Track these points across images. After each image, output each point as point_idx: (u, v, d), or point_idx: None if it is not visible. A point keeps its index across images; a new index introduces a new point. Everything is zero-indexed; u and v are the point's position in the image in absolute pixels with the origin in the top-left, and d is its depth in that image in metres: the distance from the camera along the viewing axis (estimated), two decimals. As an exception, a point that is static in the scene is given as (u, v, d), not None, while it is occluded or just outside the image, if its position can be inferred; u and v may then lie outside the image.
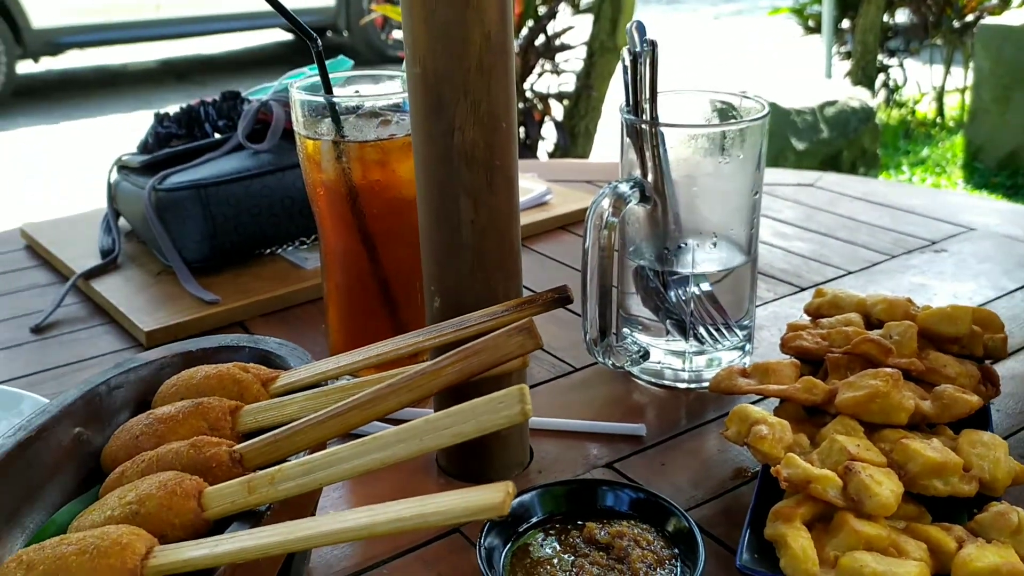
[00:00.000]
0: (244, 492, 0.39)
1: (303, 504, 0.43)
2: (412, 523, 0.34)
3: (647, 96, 0.65)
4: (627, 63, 0.65)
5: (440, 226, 0.55)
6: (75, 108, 5.24)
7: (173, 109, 0.99)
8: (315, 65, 0.94)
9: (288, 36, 7.08)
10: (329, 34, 6.64)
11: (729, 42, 6.85)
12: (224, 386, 0.48)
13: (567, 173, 1.22)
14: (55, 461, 0.45)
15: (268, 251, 0.92)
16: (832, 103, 3.32)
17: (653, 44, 0.64)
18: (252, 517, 0.40)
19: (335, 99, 0.63)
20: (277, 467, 0.39)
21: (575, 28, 3.21)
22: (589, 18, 3.28)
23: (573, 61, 3.33)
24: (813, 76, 4.65)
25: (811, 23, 4.62)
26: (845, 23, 4.45)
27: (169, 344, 0.56)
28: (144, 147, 0.98)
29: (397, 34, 6.18)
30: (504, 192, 0.55)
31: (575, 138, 3.44)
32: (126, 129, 4.80)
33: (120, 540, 0.36)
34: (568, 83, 3.34)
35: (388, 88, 0.70)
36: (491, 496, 0.32)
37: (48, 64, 5.98)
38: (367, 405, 0.41)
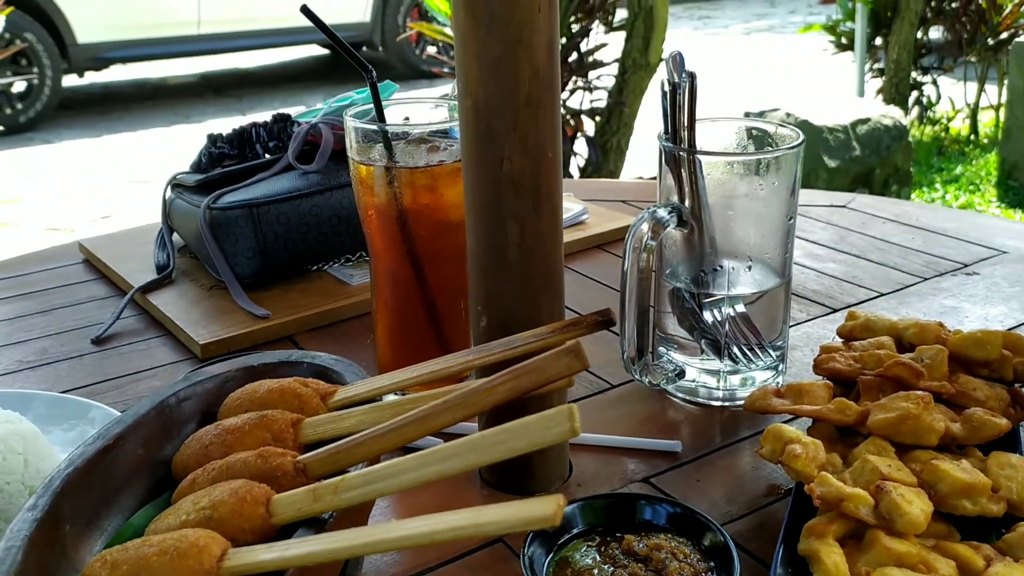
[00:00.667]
0: (309, 500, 0.42)
1: (360, 513, 0.46)
2: (469, 532, 0.36)
3: (685, 124, 0.68)
4: (666, 92, 0.68)
5: (488, 249, 0.58)
6: (117, 121, 5.36)
7: (226, 130, 1.03)
8: (363, 89, 0.98)
9: (322, 51, 7.18)
10: (364, 49, 6.73)
11: (760, 58, 6.85)
12: (286, 399, 0.51)
13: (601, 193, 1.25)
14: (129, 468, 0.49)
15: (315, 267, 0.96)
16: (865, 121, 3.32)
17: (692, 75, 0.66)
18: (316, 524, 0.43)
19: (388, 128, 0.66)
20: (340, 477, 0.42)
21: (608, 45, 3.24)
22: (622, 36, 3.32)
23: (605, 78, 3.36)
24: (845, 93, 4.64)
25: (844, 40, 4.61)
26: (878, 40, 4.44)
27: (231, 358, 0.59)
28: (197, 166, 1.02)
29: (431, 50, 6.25)
30: (549, 217, 0.58)
31: (607, 154, 3.47)
32: (165, 142, 4.90)
33: (197, 542, 0.39)
34: (600, 99, 3.37)
35: (435, 116, 0.73)
36: (544, 508, 0.34)
37: (91, 78, 6.12)
38: (424, 420, 0.44)
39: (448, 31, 3.58)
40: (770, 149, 0.71)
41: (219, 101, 5.90)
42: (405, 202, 0.67)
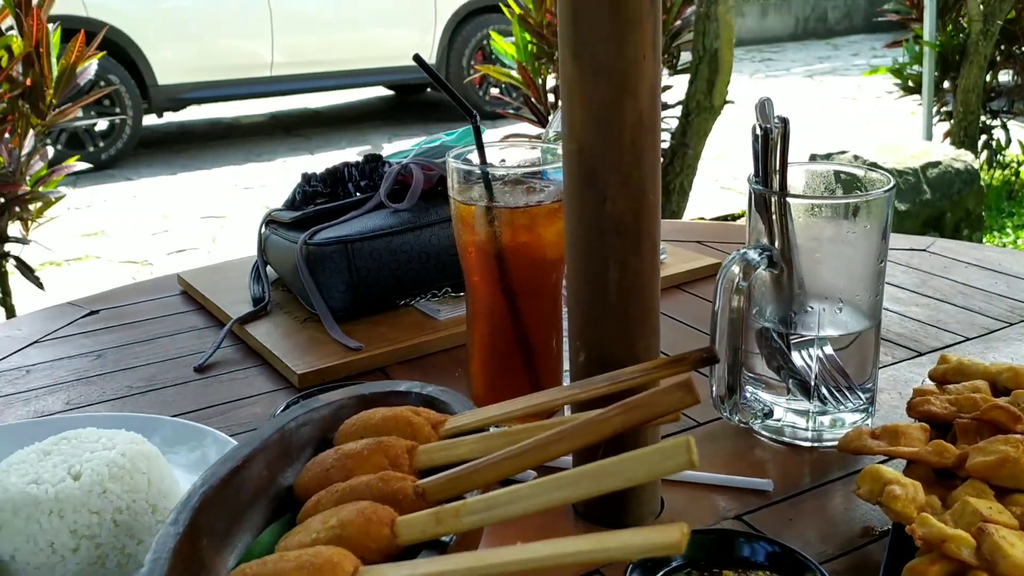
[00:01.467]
0: (433, 522, 0.44)
1: (475, 538, 0.48)
2: (592, 556, 0.38)
3: (776, 168, 0.69)
4: (757, 136, 0.70)
5: (588, 287, 0.60)
6: (192, 159, 5.55)
7: (319, 169, 1.07)
8: (451, 132, 1.02)
9: (387, 92, 7.36)
10: (429, 90, 6.89)
11: (824, 101, 6.81)
12: (399, 427, 0.54)
13: (676, 233, 1.26)
14: (255, 488, 0.51)
15: (403, 302, 0.99)
16: (935, 164, 3.28)
17: (785, 121, 0.68)
18: (436, 546, 0.45)
19: (489, 170, 0.69)
20: (461, 501, 0.44)
21: (672, 87, 3.28)
22: (686, 78, 3.35)
23: (669, 120, 3.38)
24: (912, 137, 4.59)
25: (910, 83, 4.57)
26: (945, 84, 4.39)
27: (328, 388, 0.62)
28: (291, 203, 1.06)
29: (494, 91, 6.36)
30: (648, 256, 0.60)
31: (670, 194, 3.49)
32: (237, 179, 5.06)
33: (331, 559, 0.42)
34: (664, 141, 3.40)
35: (529, 156, 0.76)
36: (669, 535, 0.36)
37: (169, 117, 6.36)
38: (538, 449, 0.46)
39: (514, 73, 3.65)
40: (861, 193, 0.72)
41: (288, 140, 6.07)
42: (504, 240, 0.70)
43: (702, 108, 3.40)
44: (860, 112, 6.27)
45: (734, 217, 4.38)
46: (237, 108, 6.82)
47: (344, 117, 6.82)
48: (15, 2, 2.41)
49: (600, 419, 0.46)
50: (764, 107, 0.69)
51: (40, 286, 2.53)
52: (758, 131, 0.69)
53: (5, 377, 0.88)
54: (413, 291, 0.98)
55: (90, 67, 2.58)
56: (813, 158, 3.18)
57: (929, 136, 4.36)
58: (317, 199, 1.05)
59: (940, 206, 3.26)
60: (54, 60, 2.48)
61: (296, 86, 6.06)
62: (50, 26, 2.47)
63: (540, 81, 3.61)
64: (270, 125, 6.57)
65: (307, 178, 1.07)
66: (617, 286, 0.60)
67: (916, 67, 4.48)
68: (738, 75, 7.73)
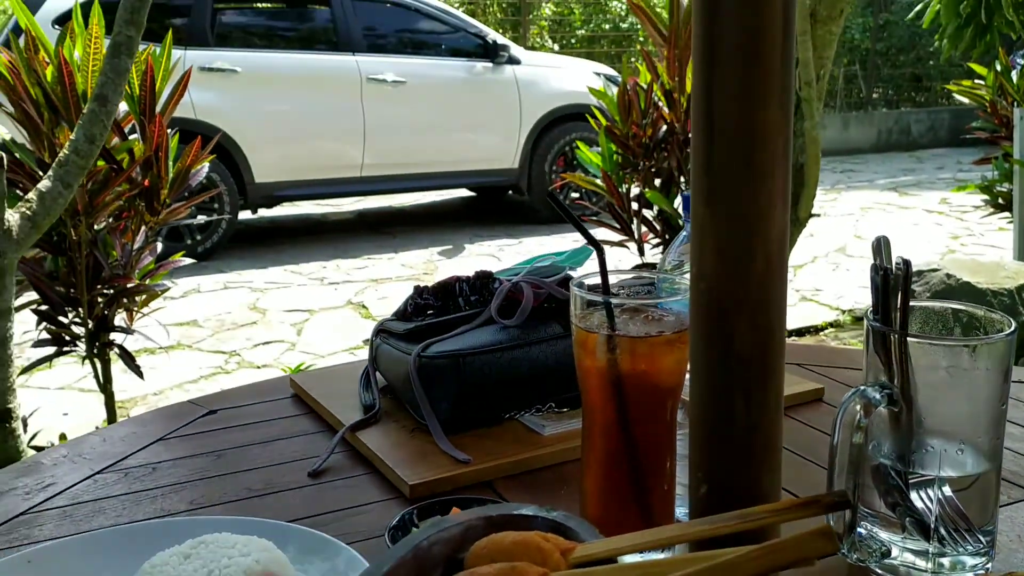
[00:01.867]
0: (573, 655, 0.45)
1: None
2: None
3: (897, 306, 0.71)
4: (876, 275, 0.71)
5: (713, 420, 0.62)
6: (281, 253, 5.77)
7: (430, 282, 1.12)
8: (560, 252, 1.06)
9: (468, 194, 7.58)
10: (511, 193, 7.06)
11: (908, 214, 6.74)
12: (529, 552, 0.55)
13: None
14: (393, 605, 0.53)
15: (508, 415, 1.01)
16: (1030, 284, 3.21)
17: (907, 263, 0.70)
18: None
19: (611, 300, 0.72)
20: (602, 636, 0.45)
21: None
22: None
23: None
24: (1003, 255, 4.49)
25: (1000, 200, 4.51)
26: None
27: (442, 500, 0.64)
28: (402, 314, 1.11)
29: (574, 195, 6.49)
30: (773, 392, 0.62)
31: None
32: (324, 274, 5.22)
33: None
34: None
35: (641, 286, 0.79)
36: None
37: (261, 213, 6.65)
38: (676, 587, 0.47)
39: (599, 181, 3.74)
40: (983, 336, 0.72)
41: (374, 237, 6.27)
42: (623, 367, 0.72)
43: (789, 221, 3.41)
44: (947, 227, 6.18)
45: (817, 329, 4.32)
46: (326, 205, 7.10)
47: (428, 216, 7.03)
48: (140, 109, 2.60)
49: (739, 560, 0.47)
50: (881, 246, 0.71)
51: (140, 375, 2.63)
52: (878, 271, 0.71)
53: (134, 474, 0.93)
54: (519, 405, 1.01)
55: (202, 170, 2.75)
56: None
57: (1020, 256, 4.26)
58: (428, 311, 1.09)
59: (1037, 328, 3.16)
60: (171, 163, 2.65)
61: (384, 186, 6.30)
62: (168, 131, 2.65)
63: (624, 189, 3.69)
64: (356, 222, 6.81)
65: (419, 291, 1.12)
66: (743, 420, 0.61)
67: (1006, 185, 4.43)
68: (820, 186, 7.73)
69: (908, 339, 0.70)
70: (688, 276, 0.66)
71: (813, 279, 4.99)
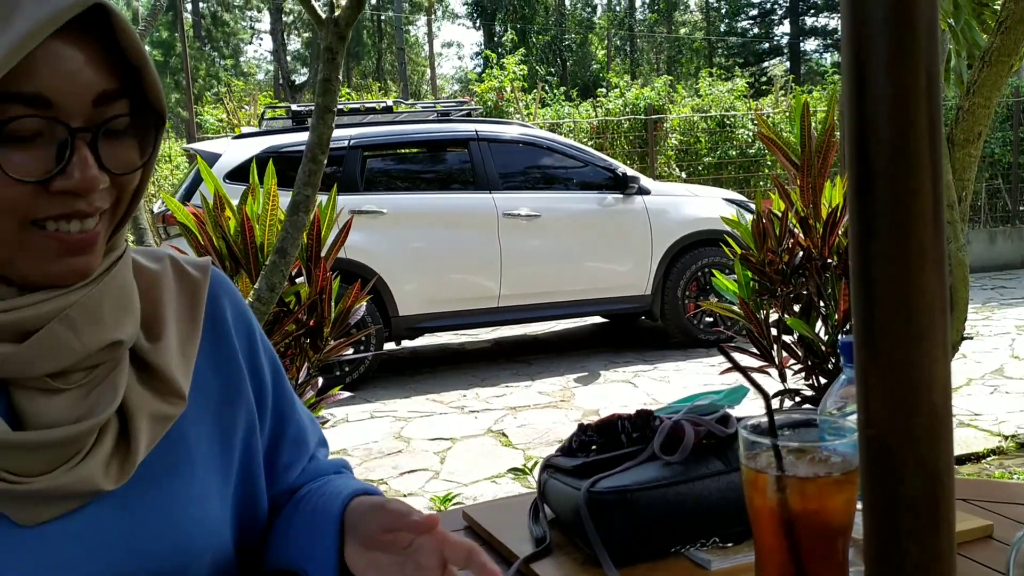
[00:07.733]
0: None
1: None
2: None
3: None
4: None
5: (885, 566, 0.66)
6: (421, 383, 5.98)
7: (593, 419, 1.20)
8: (719, 391, 1.12)
9: (601, 320, 7.66)
10: (644, 318, 7.11)
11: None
12: None
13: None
14: None
15: (674, 549, 1.05)
16: None
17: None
18: None
19: (779, 443, 0.78)
20: None
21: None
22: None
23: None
24: None
25: None
26: None
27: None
28: (567, 450, 1.19)
29: (708, 319, 6.48)
30: (945, 537, 0.65)
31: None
32: (464, 402, 5.37)
33: None
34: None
35: (808, 430, 0.84)
36: None
37: (404, 343, 6.95)
38: None
39: (736, 308, 3.75)
40: None
41: (510, 365, 6.42)
42: (792, 506, 0.77)
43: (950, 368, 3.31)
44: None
45: (979, 456, 4.10)
46: (464, 335, 7.34)
47: (562, 343, 7.14)
48: (308, 255, 2.85)
49: None
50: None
51: (303, 503, 2.77)
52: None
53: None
54: (684, 540, 1.05)
55: (360, 309, 2.96)
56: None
57: None
58: (591, 447, 1.16)
59: None
60: (333, 304, 2.87)
61: (519, 315, 6.48)
62: (331, 274, 2.89)
63: (762, 315, 3.68)
64: (493, 351, 6.99)
65: (583, 428, 1.19)
66: (915, 565, 0.64)
67: None
68: (970, 304, 7.42)
69: (1079, 481, 0.72)
70: (852, 418, 0.71)
71: (970, 403, 4.75)
